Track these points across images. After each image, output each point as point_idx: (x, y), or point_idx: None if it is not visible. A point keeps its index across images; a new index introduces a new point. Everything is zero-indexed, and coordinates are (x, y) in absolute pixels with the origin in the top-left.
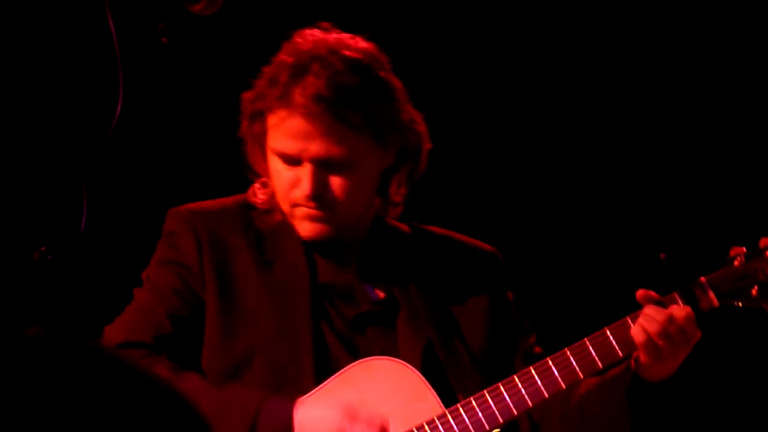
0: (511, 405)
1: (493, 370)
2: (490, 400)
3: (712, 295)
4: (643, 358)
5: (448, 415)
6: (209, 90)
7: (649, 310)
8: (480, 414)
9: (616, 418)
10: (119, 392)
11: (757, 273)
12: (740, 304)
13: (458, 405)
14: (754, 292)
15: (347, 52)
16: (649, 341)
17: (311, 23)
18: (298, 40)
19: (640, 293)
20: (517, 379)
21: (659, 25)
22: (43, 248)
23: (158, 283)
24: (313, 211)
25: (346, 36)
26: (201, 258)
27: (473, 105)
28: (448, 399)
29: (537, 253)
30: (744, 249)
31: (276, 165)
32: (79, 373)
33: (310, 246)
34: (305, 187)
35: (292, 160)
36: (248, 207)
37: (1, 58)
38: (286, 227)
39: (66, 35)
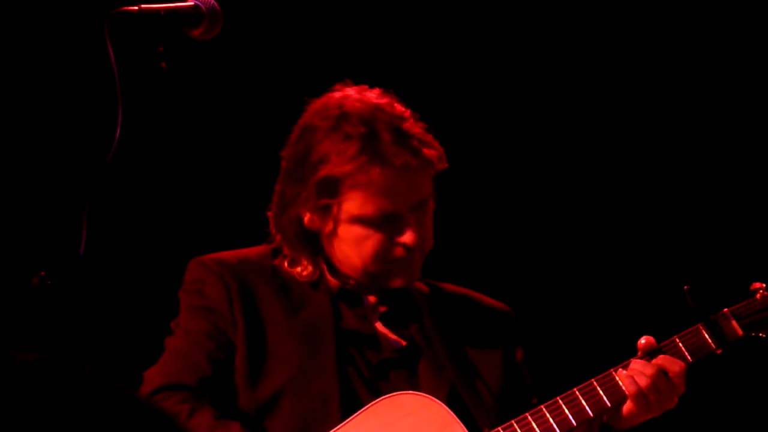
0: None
1: (509, 412)
2: (518, 429)
3: (735, 325)
4: (628, 407)
5: None
6: (208, 114)
7: (638, 365)
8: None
9: None
10: (116, 417)
11: None
12: (763, 335)
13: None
14: None
15: (382, 102)
16: (640, 394)
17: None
18: (329, 106)
19: (642, 342)
20: (544, 409)
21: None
22: (42, 273)
23: (191, 330)
24: (412, 260)
25: (359, 89)
26: (230, 302)
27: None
28: None
29: (562, 288)
30: (764, 285)
31: (361, 231)
32: (76, 397)
33: (336, 296)
34: (411, 239)
35: (388, 218)
36: (271, 257)
37: (1, 82)
38: (315, 278)
39: (66, 59)
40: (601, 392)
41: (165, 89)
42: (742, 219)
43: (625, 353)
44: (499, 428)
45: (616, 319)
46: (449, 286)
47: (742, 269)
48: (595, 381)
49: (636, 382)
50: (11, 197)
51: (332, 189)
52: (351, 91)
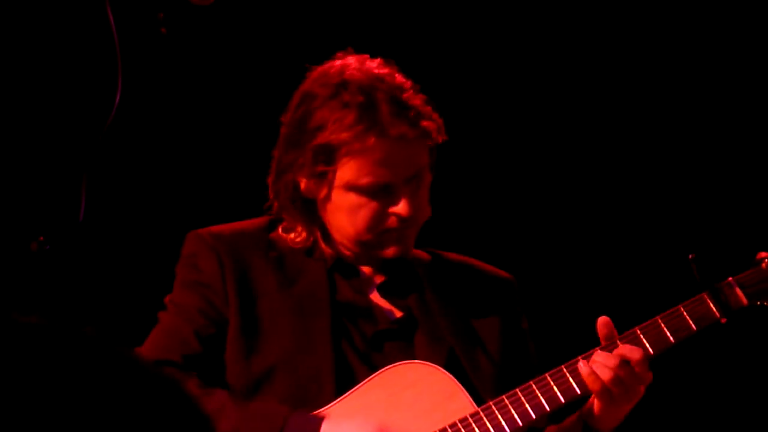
0: (543, 402)
1: (512, 386)
2: (522, 398)
3: (740, 294)
4: (596, 404)
5: (481, 413)
6: (208, 81)
7: (600, 357)
8: (513, 411)
9: None
10: (117, 381)
11: None
12: (767, 304)
13: (490, 403)
14: None
15: (381, 71)
16: (604, 388)
17: (307, 19)
18: (330, 74)
19: (601, 321)
20: (549, 378)
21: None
22: (41, 238)
23: (183, 305)
24: (404, 231)
25: (359, 57)
26: (223, 276)
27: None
28: (477, 403)
29: (567, 257)
30: None
31: (355, 200)
32: (76, 361)
33: (331, 267)
34: (405, 210)
35: (383, 188)
36: (268, 229)
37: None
38: (311, 251)
39: (65, 26)
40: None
41: (165, 55)
42: (748, 187)
43: (628, 323)
44: (504, 396)
45: (621, 288)
46: (451, 255)
47: (748, 238)
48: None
49: (599, 377)
50: (10, 163)
51: (328, 156)
52: (352, 60)
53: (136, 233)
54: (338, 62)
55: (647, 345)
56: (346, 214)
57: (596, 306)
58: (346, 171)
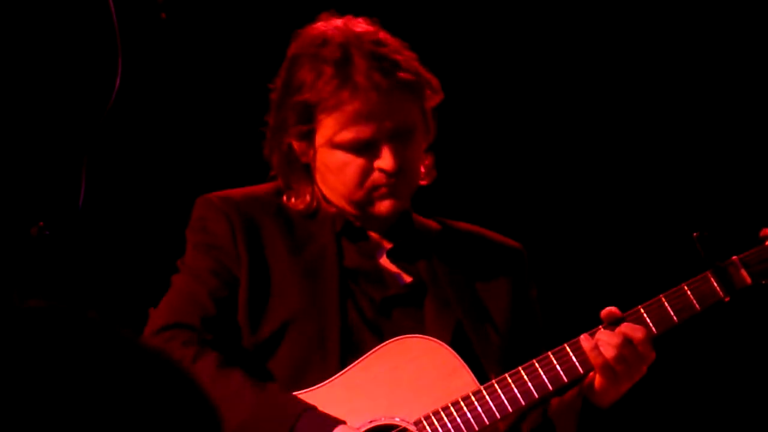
0: (546, 381)
1: (518, 357)
2: (525, 377)
3: (744, 273)
4: (598, 380)
5: (483, 391)
6: (208, 65)
7: (604, 336)
8: (515, 390)
9: None
10: (120, 364)
11: None
12: None
13: (493, 381)
14: None
15: (363, 29)
16: (606, 365)
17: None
18: (311, 34)
19: (604, 312)
20: (552, 356)
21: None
22: (41, 223)
23: (196, 267)
24: (393, 188)
25: (344, 18)
26: (234, 237)
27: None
28: (480, 379)
29: (572, 236)
30: None
31: (341, 158)
32: (79, 345)
33: (340, 231)
34: (389, 164)
35: (366, 145)
36: (277, 194)
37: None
38: (316, 213)
39: (65, 10)
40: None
41: (164, 39)
42: (752, 166)
43: (632, 301)
44: (506, 375)
45: (625, 266)
46: (461, 224)
47: (752, 216)
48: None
49: (602, 354)
50: (10, 149)
51: (308, 115)
52: (337, 21)
53: (136, 218)
54: (321, 24)
55: (650, 324)
56: (334, 173)
57: (601, 283)
58: (326, 128)
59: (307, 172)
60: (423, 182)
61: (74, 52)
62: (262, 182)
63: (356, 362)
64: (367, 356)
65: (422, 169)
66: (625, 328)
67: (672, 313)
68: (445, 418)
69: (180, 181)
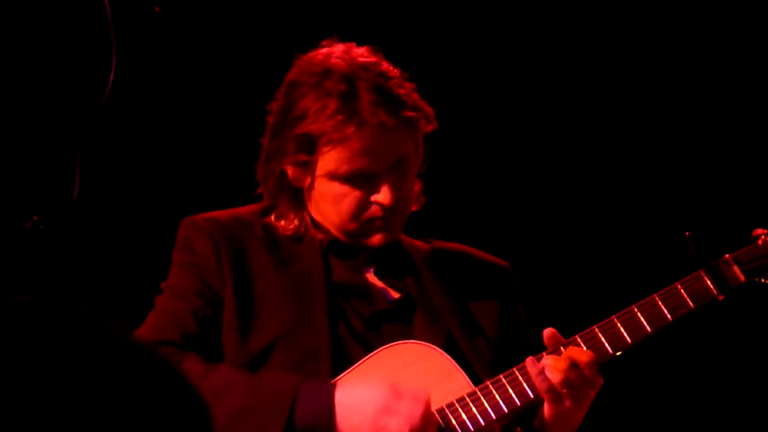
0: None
1: (507, 367)
2: (520, 377)
3: (738, 271)
4: (546, 408)
5: (479, 393)
6: (202, 59)
7: (550, 360)
8: (510, 390)
9: None
10: (112, 360)
11: None
12: (766, 281)
13: (488, 382)
14: None
15: (366, 60)
16: (552, 390)
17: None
18: (315, 62)
19: (547, 332)
20: (546, 354)
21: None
22: (35, 218)
23: (179, 287)
24: (387, 221)
25: (346, 45)
26: (218, 257)
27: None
28: (475, 383)
29: (563, 237)
30: (766, 230)
31: (338, 189)
32: (71, 340)
33: (327, 249)
34: (386, 198)
35: (365, 177)
36: (262, 215)
37: None
38: (303, 238)
39: (60, 3)
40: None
41: (159, 33)
42: (744, 164)
43: (625, 301)
44: (501, 376)
45: (617, 266)
46: (448, 244)
47: (745, 215)
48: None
49: (548, 378)
50: (4, 142)
51: (310, 146)
52: (338, 48)
53: (129, 213)
54: (324, 50)
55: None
56: (330, 203)
57: (593, 285)
58: (327, 160)
59: (298, 197)
60: (413, 208)
61: (69, 46)
62: (252, 181)
63: (351, 368)
64: (361, 362)
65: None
66: (571, 352)
67: (666, 312)
68: (441, 421)
69: (174, 174)
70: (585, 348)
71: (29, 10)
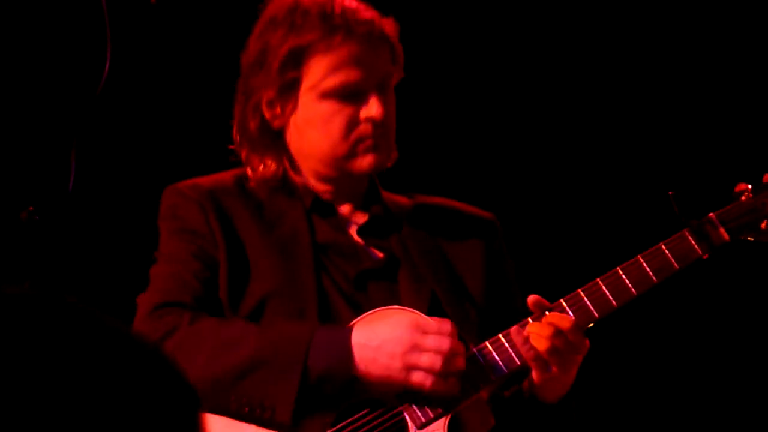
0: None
1: (495, 328)
2: (505, 344)
3: (722, 230)
4: (535, 375)
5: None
6: (197, 47)
7: (534, 328)
8: (498, 358)
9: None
10: (100, 350)
11: (765, 207)
12: (751, 239)
13: (473, 350)
14: (763, 225)
15: None
16: (539, 358)
17: None
18: (283, 1)
19: (531, 298)
20: (531, 321)
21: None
22: (30, 208)
23: (176, 253)
24: (378, 140)
25: None
26: (207, 221)
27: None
28: None
29: (547, 194)
30: (749, 186)
31: (327, 107)
32: (60, 331)
33: (310, 208)
34: (377, 111)
35: (354, 92)
36: (242, 179)
37: None
38: (284, 195)
39: None
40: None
41: (154, 23)
42: (724, 123)
43: (608, 263)
44: (487, 342)
45: (600, 227)
46: (431, 198)
47: (727, 172)
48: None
49: (533, 347)
50: None
51: (297, 60)
52: None
53: (125, 203)
54: None
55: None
56: (318, 126)
57: (576, 246)
58: (314, 74)
59: (276, 140)
60: (387, 164)
61: (64, 38)
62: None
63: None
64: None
65: None
66: (553, 318)
67: (651, 273)
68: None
69: (169, 164)
70: (571, 313)
71: (25, 1)
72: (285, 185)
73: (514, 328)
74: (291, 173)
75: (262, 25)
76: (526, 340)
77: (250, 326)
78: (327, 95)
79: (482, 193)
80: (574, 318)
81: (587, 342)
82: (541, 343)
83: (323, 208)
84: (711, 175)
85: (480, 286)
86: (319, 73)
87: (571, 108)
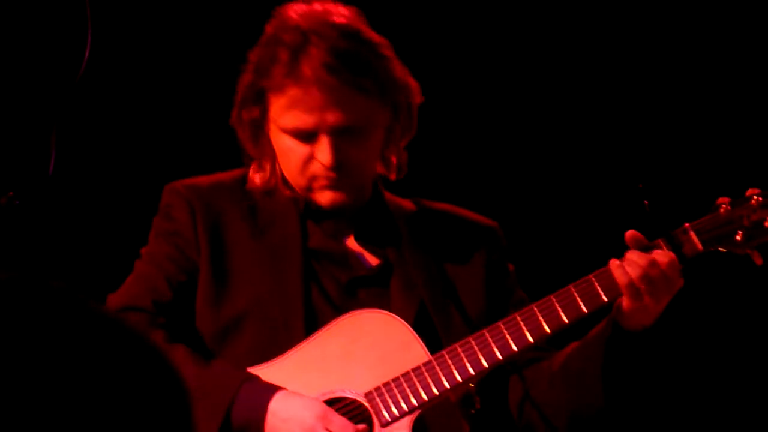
0: (495, 350)
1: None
2: (475, 346)
3: (695, 239)
4: (625, 302)
5: (433, 362)
6: (179, 32)
7: (632, 255)
8: (465, 359)
9: (593, 372)
10: (84, 333)
11: (742, 219)
12: (723, 250)
13: (443, 351)
14: (738, 237)
15: (337, 19)
16: (632, 284)
17: None
18: (284, 16)
19: (628, 234)
20: (502, 326)
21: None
22: (10, 193)
23: (154, 253)
24: (332, 181)
25: (327, 4)
26: (194, 224)
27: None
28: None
29: (525, 203)
30: (728, 199)
31: (287, 143)
32: (43, 315)
33: (304, 213)
34: (326, 158)
35: (307, 135)
36: (243, 179)
37: None
38: (281, 198)
39: None
40: (578, 297)
41: (135, 7)
42: (707, 134)
43: (584, 270)
44: (456, 345)
45: (577, 235)
46: (436, 204)
47: (708, 185)
48: (573, 286)
49: (627, 272)
50: None
51: (259, 97)
52: (318, 5)
53: (105, 188)
54: (300, 5)
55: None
56: (281, 156)
57: (552, 256)
58: (272, 111)
59: (270, 146)
60: (392, 177)
61: (44, 22)
62: (233, 154)
63: (309, 338)
64: (319, 331)
65: (382, 164)
66: (655, 254)
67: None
68: (395, 389)
69: (149, 150)
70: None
71: None
72: (282, 188)
73: (612, 260)
74: (281, 185)
75: (263, 36)
76: (621, 264)
77: (189, 359)
78: (284, 131)
79: (482, 194)
80: (674, 255)
81: (682, 281)
82: (635, 270)
83: (318, 213)
84: (691, 187)
85: (476, 294)
86: (275, 111)
87: (551, 116)
